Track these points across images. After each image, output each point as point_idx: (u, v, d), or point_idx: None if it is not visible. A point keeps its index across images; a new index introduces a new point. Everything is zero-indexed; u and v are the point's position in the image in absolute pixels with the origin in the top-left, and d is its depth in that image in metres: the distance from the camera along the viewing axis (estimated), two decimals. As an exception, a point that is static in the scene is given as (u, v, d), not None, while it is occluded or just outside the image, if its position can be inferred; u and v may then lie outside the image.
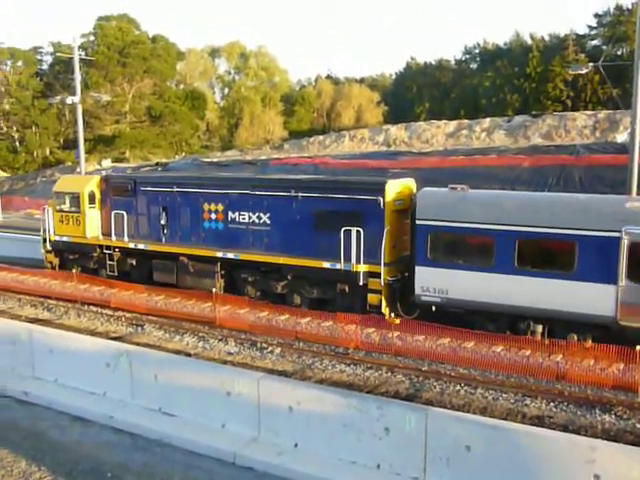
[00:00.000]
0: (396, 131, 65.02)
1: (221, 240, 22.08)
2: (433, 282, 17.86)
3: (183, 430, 12.61)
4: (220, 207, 22.03)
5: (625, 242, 15.47)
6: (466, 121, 60.81)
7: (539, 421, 13.36)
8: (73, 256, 25.98)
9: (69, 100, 38.83)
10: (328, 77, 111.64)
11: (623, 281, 15.68)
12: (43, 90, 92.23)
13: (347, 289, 19.43)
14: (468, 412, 13.44)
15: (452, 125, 59.70)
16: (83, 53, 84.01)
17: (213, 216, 22.12)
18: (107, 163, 73.62)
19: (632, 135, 22.68)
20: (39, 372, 15.45)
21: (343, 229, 18.98)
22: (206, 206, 22.38)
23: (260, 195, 21.00)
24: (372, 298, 18.86)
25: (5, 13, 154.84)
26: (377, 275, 18.75)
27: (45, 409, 14.48)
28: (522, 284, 16.83)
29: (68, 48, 71.04)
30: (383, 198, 18.57)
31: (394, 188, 18.94)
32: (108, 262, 24.69)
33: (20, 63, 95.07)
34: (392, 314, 18.61)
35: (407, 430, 10.36)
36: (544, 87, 65.69)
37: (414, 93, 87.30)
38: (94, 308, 22.15)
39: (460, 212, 17.84)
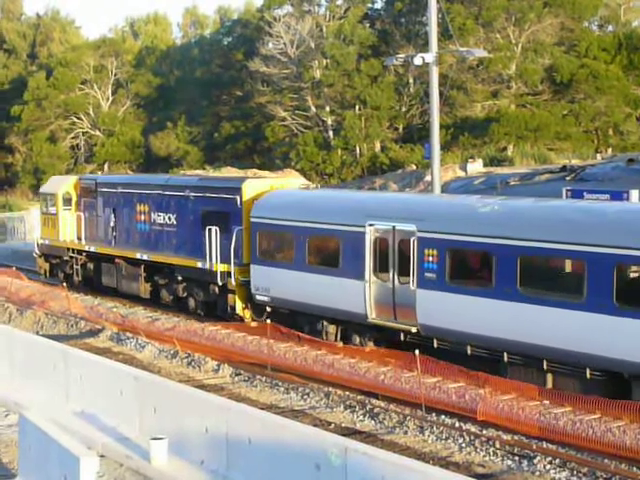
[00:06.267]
0: None
1: (145, 242, 33.22)
2: (262, 281, 27.66)
3: None
4: (146, 208, 33.28)
5: (369, 236, 24.73)
6: None
7: None
8: (55, 260, 38.32)
9: (418, 59, 40.48)
10: None
11: (371, 277, 24.32)
12: (375, 44, 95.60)
13: (217, 290, 29.16)
14: None
15: None
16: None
17: (142, 217, 33.53)
18: (476, 166, 73.01)
19: None
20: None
21: (207, 228, 28.87)
22: (138, 207, 33.62)
23: (169, 196, 32.27)
24: (230, 299, 28.89)
25: None
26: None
27: None
28: (311, 280, 26.27)
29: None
30: (240, 197, 28.90)
31: (256, 187, 29.31)
32: (75, 266, 36.46)
33: (340, 1, 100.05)
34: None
35: None
36: None
37: None
38: (448, 419, 20.73)
39: (280, 210, 27.32)
